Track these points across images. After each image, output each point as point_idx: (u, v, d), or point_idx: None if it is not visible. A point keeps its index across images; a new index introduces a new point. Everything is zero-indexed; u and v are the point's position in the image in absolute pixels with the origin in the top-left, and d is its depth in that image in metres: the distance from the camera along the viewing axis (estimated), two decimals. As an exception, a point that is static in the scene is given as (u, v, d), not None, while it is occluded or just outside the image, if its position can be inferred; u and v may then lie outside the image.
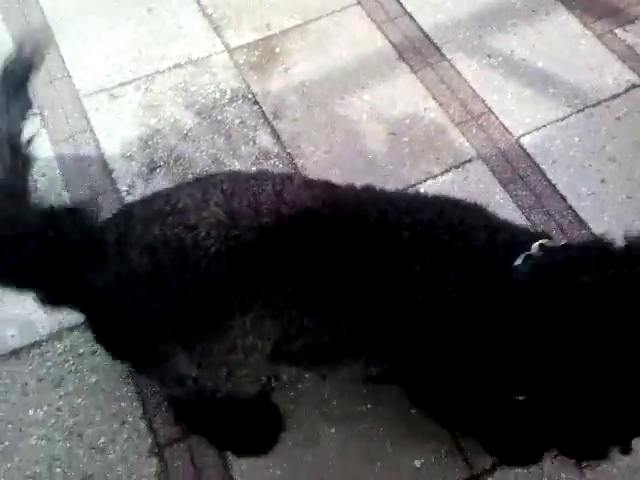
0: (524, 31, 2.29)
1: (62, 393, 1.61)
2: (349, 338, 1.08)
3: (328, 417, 1.57)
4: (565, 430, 1.01)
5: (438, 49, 2.27)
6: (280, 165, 1.97)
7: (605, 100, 2.13)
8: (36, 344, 1.67)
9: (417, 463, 1.52)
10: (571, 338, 0.88)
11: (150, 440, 1.54)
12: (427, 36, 2.30)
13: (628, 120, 2.07)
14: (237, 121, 2.07)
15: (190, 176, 1.92)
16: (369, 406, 1.59)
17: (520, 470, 1.48)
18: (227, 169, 1.94)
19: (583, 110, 2.10)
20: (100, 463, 1.52)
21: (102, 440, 1.55)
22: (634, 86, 2.15)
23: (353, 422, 1.56)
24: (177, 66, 2.20)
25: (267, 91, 2.14)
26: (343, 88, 2.15)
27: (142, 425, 1.56)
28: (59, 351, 1.68)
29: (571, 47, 2.24)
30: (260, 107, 2.11)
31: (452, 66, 2.22)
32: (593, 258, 0.95)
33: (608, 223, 1.86)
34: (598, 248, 0.97)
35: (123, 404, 1.61)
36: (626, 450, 1.01)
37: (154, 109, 2.10)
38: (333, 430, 1.56)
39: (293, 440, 1.53)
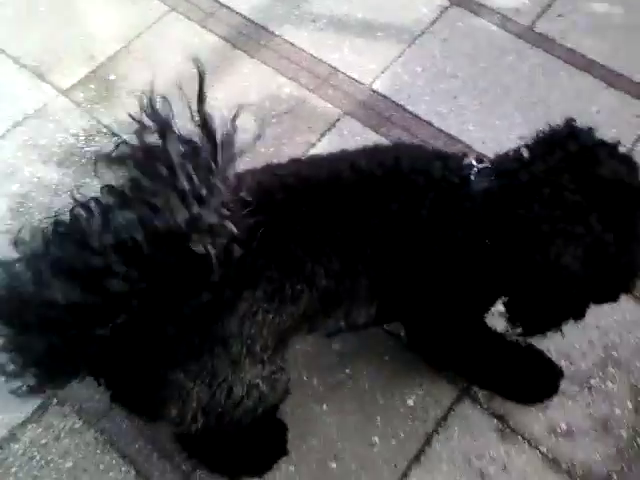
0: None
1: (44, 491, 1.50)
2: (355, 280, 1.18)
3: (315, 396, 1.60)
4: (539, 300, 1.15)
5: (265, 29, 2.32)
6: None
7: (427, 28, 2.30)
8: (-8, 455, 1.53)
9: (410, 402, 1.60)
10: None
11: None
12: (250, 20, 2.34)
13: (453, 39, 2.27)
14: (103, 158, 1.99)
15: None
16: (347, 371, 1.64)
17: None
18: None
19: (414, 42, 2.26)
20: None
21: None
22: (445, 8, 2.35)
23: (339, 392, 1.61)
24: (17, 125, 2.05)
25: (119, 119, 2.07)
26: (192, 92, 2.14)
27: (142, 483, 1.50)
28: (20, 452, 1.55)
29: (379, -9, 2.39)
30: (119, 136, 2.04)
31: (285, 40, 2.28)
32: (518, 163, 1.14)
33: (475, 131, 2.04)
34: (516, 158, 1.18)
35: (112, 474, 1.53)
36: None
37: (11, 176, 1.96)
38: (325, 406, 1.59)
39: (293, 433, 1.54)
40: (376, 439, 1.55)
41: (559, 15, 2.31)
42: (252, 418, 1.23)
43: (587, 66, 2.16)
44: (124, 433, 1.56)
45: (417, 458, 1.52)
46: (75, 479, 1.52)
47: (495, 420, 1.57)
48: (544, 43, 2.24)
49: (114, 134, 2.05)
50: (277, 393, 1.26)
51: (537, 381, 1.57)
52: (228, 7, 2.38)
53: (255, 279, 1.09)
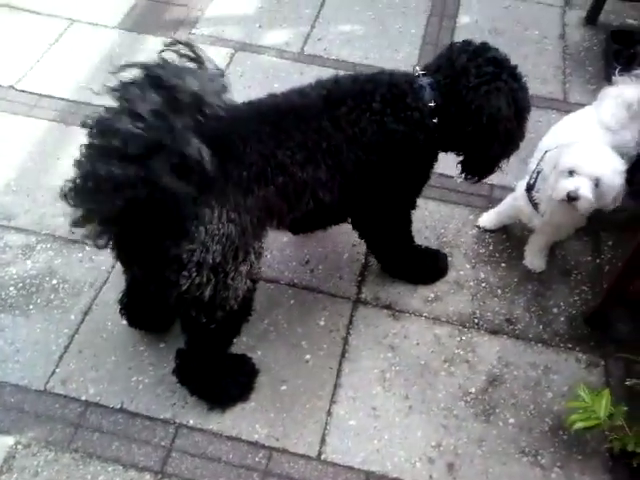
0: None
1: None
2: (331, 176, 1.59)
3: (248, 349, 1.92)
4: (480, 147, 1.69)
5: (90, 104, 2.64)
6: None
7: (227, 67, 2.81)
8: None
9: (321, 322, 2.00)
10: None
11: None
12: (73, 101, 2.66)
13: (247, 73, 2.81)
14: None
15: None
16: (266, 321, 1.99)
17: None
18: None
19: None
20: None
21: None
22: (233, 54, 2.89)
23: (266, 338, 1.95)
24: None
25: None
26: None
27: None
28: (6, 490, 1.64)
29: None
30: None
31: (111, 107, 2.63)
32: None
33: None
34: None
35: (101, 477, 1.67)
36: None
37: None
38: (259, 352, 1.92)
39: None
40: (308, 357, 1.92)
41: (319, 39, 2.98)
42: (242, 294, 1.53)
43: (352, 67, 2.83)
44: (98, 442, 1.73)
45: (343, 356, 1.92)
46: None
47: (385, 310, 2.03)
48: (315, 60, 2.87)
49: None
50: (257, 268, 1.57)
51: (434, 268, 2.13)
52: (48, 96, 2.67)
53: (243, 163, 1.45)
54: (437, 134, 1.69)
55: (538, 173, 1.98)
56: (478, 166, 1.79)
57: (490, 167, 1.78)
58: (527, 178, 2.03)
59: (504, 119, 1.64)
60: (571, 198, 1.76)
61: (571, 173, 1.78)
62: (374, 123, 1.61)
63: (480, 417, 1.82)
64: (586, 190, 1.75)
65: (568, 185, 1.76)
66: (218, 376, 1.74)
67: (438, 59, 1.73)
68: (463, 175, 1.81)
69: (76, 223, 1.30)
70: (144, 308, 1.84)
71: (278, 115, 1.55)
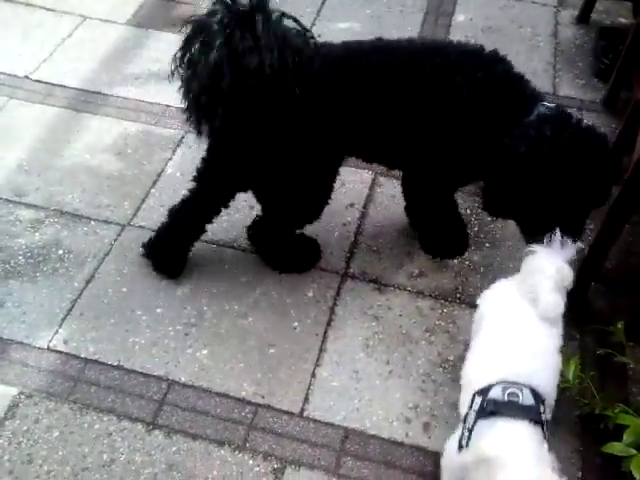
0: None
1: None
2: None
3: (240, 315, 2.04)
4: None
5: (99, 93, 2.80)
6: None
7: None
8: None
9: (310, 293, 2.11)
10: None
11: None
12: (84, 90, 2.81)
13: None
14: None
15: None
16: (258, 291, 2.11)
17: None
18: None
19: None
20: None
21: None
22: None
23: (257, 306, 2.07)
24: None
25: None
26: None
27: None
28: (6, 443, 1.74)
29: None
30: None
31: (118, 97, 2.78)
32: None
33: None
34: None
35: (97, 426, 1.79)
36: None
37: None
38: (250, 319, 2.03)
39: (231, 342, 1.96)
40: (296, 324, 2.03)
41: (319, 35, 3.07)
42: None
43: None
44: (95, 395, 1.84)
45: (329, 324, 2.03)
46: (66, 442, 1.76)
47: (371, 283, 2.14)
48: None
49: None
50: None
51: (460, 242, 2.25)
52: (61, 85, 2.83)
53: None
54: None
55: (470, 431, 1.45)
56: (495, 198, 1.84)
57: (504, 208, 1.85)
58: (458, 432, 1.52)
59: (519, 159, 1.69)
60: None
61: None
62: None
63: (457, 382, 1.91)
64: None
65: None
66: (288, 248, 2.11)
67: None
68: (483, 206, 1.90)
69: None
70: (169, 249, 2.08)
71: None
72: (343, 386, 1.88)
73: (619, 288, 2.10)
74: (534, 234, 1.72)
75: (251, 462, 1.72)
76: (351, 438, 1.78)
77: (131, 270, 2.14)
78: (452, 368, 1.94)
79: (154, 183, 2.44)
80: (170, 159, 2.54)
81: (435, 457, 1.73)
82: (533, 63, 2.97)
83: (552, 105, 1.77)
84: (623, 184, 1.80)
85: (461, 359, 1.95)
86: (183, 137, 2.61)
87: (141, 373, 1.87)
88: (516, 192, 1.72)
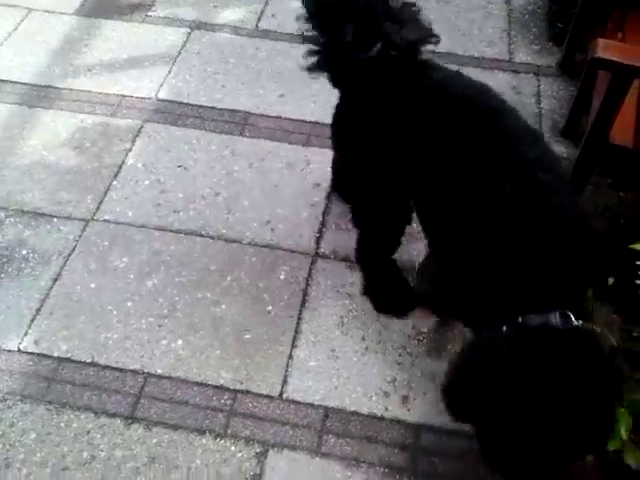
0: None
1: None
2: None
3: (213, 303, 2.02)
4: None
5: (51, 86, 2.72)
6: None
7: (182, 48, 2.90)
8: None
9: (282, 276, 2.10)
10: None
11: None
12: (35, 85, 2.73)
13: (204, 50, 2.89)
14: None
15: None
16: (229, 278, 2.10)
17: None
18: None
19: (175, 60, 2.84)
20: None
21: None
22: (189, 33, 2.97)
23: (229, 293, 2.05)
24: None
25: None
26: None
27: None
28: (-14, 445, 1.73)
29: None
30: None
31: (72, 89, 2.71)
32: None
33: (247, 102, 2.65)
34: None
35: (75, 425, 1.77)
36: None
37: None
38: (223, 306, 2.02)
39: (207, 332, 1.95)
40: (270, 308, 2.03)
41: (272, 15, 3.07)
42: None
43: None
44: (70, 394, 1.82)
45: (303, 305, 2.03)
46: (43, 443, 1.74)
47: (342, 262, 2.14)
48: (269, 34, 2.97)
49: None
50: None
51: None
52: (10, 81, 2.74)
53: None
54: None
55: None
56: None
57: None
58: None
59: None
60: None
61: None
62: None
63: (433, 354, 1.94)
64: None
65: None
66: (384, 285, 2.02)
67: None
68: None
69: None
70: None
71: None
72: (321, 366, 1.89)
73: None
74: None
75: (233, 448, 1.73)
76: (331, 417, 1.79)
77: (98, 265, 2.11)
78: (427, 340, 1.96)
79: (115, 175, 2.39)
80: (130, 150, 2.49)
81: (415, 429, 1.75)
82: (488, 31, 2.98)
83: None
84: (582, 146, 1.83)
85: (435, 331, 1.99)
86: (142, 127, 2.56)
87: (116, 368, 1.86)
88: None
